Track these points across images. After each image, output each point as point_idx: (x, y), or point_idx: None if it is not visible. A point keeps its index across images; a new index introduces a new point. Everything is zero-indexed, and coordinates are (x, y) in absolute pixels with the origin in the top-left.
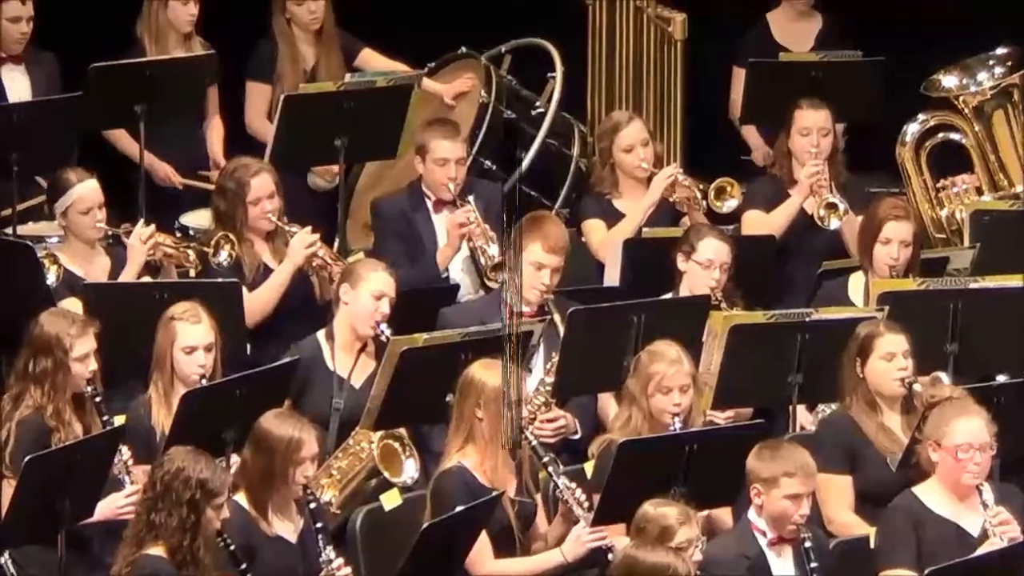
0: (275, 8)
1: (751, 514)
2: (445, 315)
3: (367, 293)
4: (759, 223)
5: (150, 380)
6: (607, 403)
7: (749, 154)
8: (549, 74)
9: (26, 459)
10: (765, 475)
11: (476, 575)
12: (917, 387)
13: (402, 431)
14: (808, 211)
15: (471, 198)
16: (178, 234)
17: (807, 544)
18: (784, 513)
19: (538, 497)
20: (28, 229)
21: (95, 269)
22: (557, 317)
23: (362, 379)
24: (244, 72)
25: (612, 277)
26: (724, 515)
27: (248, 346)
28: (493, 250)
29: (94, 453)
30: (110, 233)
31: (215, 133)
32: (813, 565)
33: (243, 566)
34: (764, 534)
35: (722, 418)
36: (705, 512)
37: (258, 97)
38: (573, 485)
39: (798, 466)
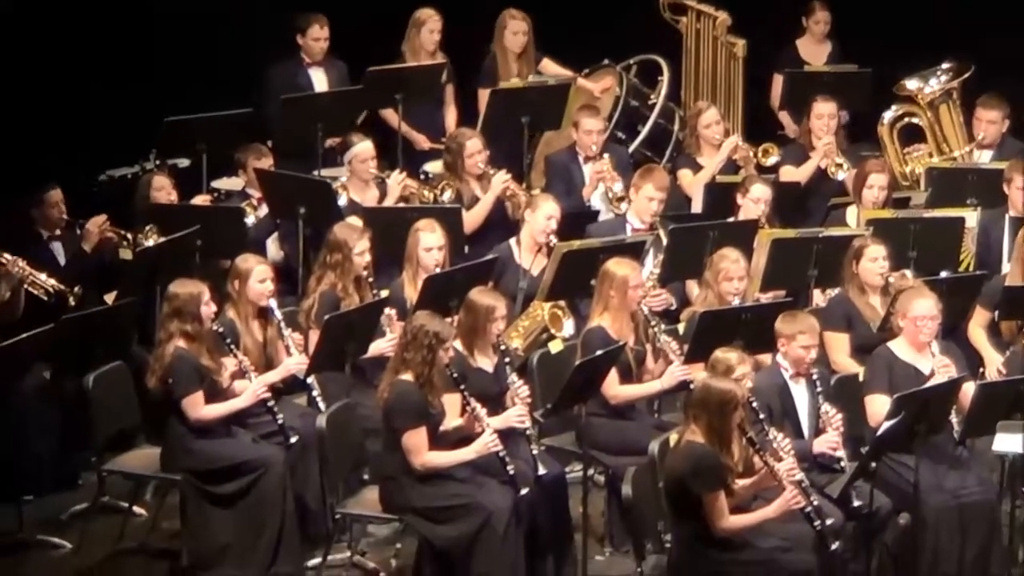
0: (496, 35)
1: (778, 358)
2: (589, 230)
3: (542, 215)
4: (791, 174)
5: (403, 269)
6: (692, 286)
7: (783, 130)
8: (659, 77)
9: (325, 318)
10: (787, 332)
11: (607, 395)
12: (891, 279)
13: (563, 302)
14: (822, 167)
15: (606, 156)
16: (422, 177)
17: (815, 377)
18: (799, 358)
19: (648, 346)
20: (326, 172)
21: (369, 198)
22: (661, 232)
23: (538, 269)
24: (477, 83)
25: (697, 207)
26: (766, 359)
27: (465, 247)
28: (617, 188)
29: (368, 314)
30: (378, 175)
31: (450, 115)
32: (819, 390)
33: (461, 386)
34: (787, 371)
35: (765, 297)
36: (754, 356)
37: (486, 98)
38: (670, 339)
39: (809, 327)
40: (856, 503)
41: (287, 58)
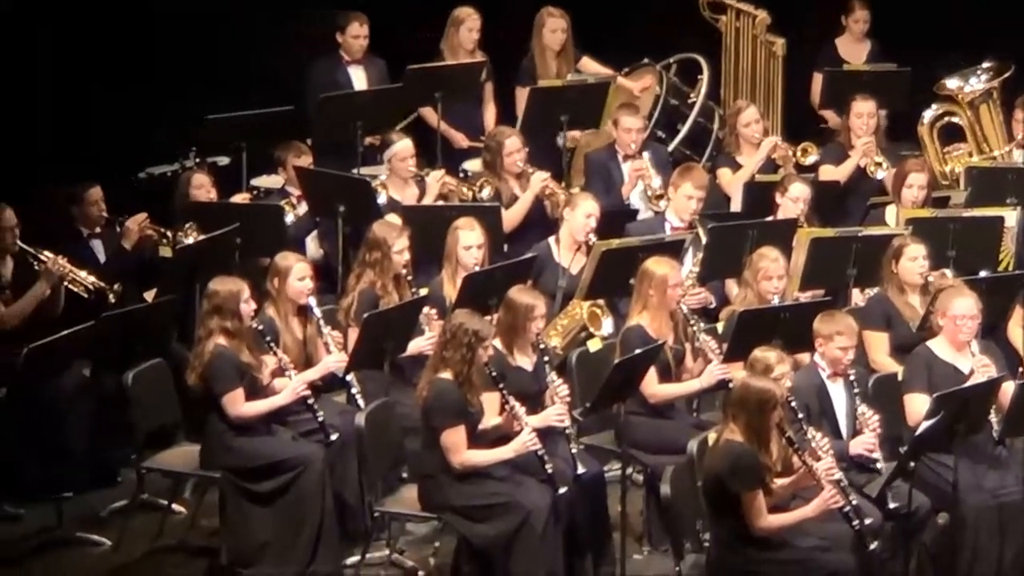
0: (534, 33)
1: (816, 357)
2: (629, 228)
3: (581, 213)
4: (830, 173)
5: (442, 267)
6: (731, 285)
7: (827, 123)
8: (699, 76)
9: (364, 316)
10: (825, 332)
11: (646, 394)
12: (931, 278)
13: (602, 301)
14: (861, 166)
15: (646, 154)
16: (461, 175)
17: (852, 377)
18: (837, 358)
19: (687, 345)
20: (365, 170)
21: (408, 196)
22: (700, 230)
23: (577, 268)
24: (515, 81)
25: (736, 206)
26: (805, 358)
27: (504, 245)
28: (657, 186)
29: (407, 312)
30: (418, 174)
31: (489, 113)
32: (856, 391)
33: (500, 384)
34: (824, 370)
35: (804, 296)
36: (793, 355)
37: (524, 97)
38: (709, 338)
39: (846, 327)
40: (892, 505)
41: (327, 56)
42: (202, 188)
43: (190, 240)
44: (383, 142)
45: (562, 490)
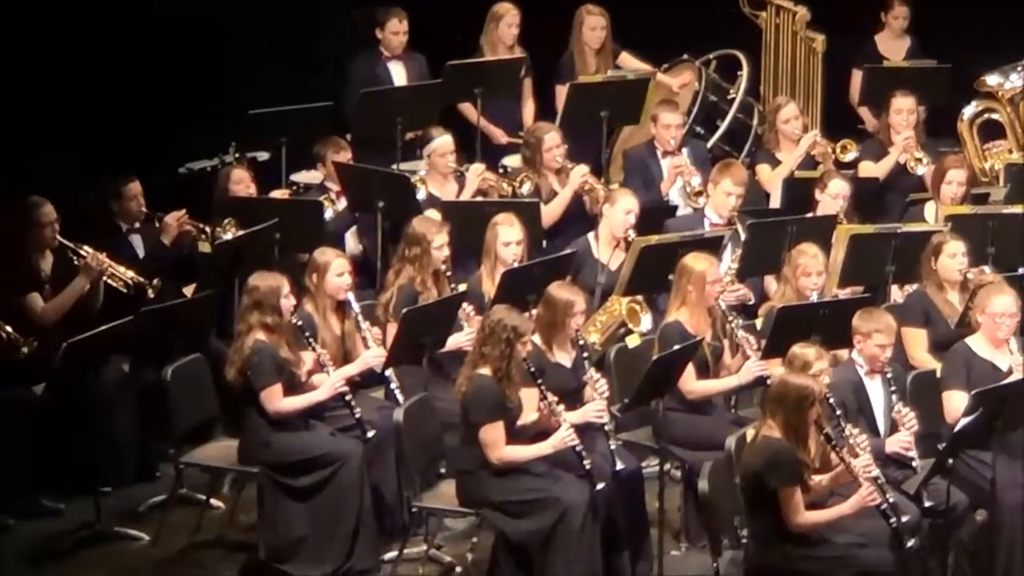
0: (574, 30)
1: (854, 354)
2: (668, 225)
3: (620, 209)
4: (869, 170)
5: (481, 263)
6: (770, 281)
7: (863, 124)
8: (738, 72)
9: (404, 311)
10: (864, 330)
11: (684, 390)
12: (970, 275)
13: (641, 297)
14: (901, 162)
15: (685, 150)
16: (500, 171)
17: (889, 375)
18: (874, 355)
19: (725, 342)
20: (405, 165)
21: (448, 192)
22: (739, 227)
23: (616, 264)
24: (555, 78)
25: (775, 202)
26: (842, 354)
27: (543, 241)
28: (696, 183)
29: (446, 308)
30: (457, 169)
31: (528, 109)
32: (893, 388)
33: (539, 380)
34: (862, 367)
35: (843, 293)
36: (832, 352)
37: (563, 93)
38: (748, 334)
39: (885, 325)
40: (928, 503)
41: (367, 51)
42: (241, 183)
43: (229, 236)
44: (423, 138)
45: (600, 486)
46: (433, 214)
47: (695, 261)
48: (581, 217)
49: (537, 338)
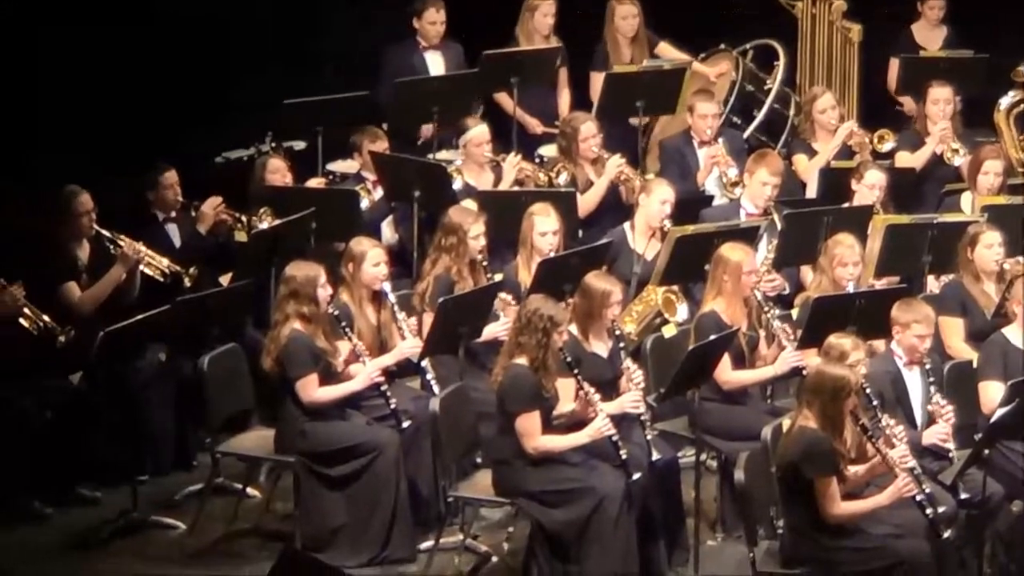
0: (606, 20)
1: (892, 345)
2: (704, 215)
3: (656, 199)
4: (906, 160)
5: (517, 253)
6: (806, 271)
7: (901, 105)
8: (775, 62)
9: (440, 300)
10: (902, 321)
11: (720, 380)
12: (1006, 266)
13: (677, 287)
14: (938, 153)
15: (721, 140)
16: (536, 160)
17: (928, 366)
18: (913, 346)
19: (761, 332)
20: (441, 155)
21: (483, 181)
22: (776, 216)
23: (652, 254)
24: (590, 66)
25: (811, 192)
26: (879, 345)
27: (579, 231)
28: (732, 173)
29: (482, 297)
30: (493, 159)
31: (563, 98)
32: (931, 379)
33: (575, 370)
34: (900, 358)
35: (879, 283)
36: (868, 342)
37: (598, 82)
38: (784, 324)
39: (924, 316)
40: (964, 494)
41: (403, 41)
42: (278, 173)
43: (265, 225)
44: (458, 127)
45: (636, 476)
46: (469, 204)
47: (731, 251)
48: (617, 207)
49: (573, 328)
